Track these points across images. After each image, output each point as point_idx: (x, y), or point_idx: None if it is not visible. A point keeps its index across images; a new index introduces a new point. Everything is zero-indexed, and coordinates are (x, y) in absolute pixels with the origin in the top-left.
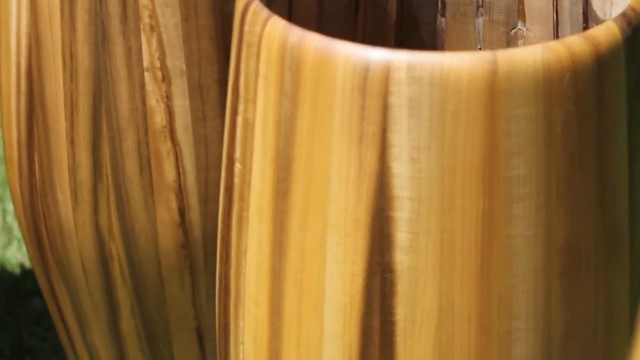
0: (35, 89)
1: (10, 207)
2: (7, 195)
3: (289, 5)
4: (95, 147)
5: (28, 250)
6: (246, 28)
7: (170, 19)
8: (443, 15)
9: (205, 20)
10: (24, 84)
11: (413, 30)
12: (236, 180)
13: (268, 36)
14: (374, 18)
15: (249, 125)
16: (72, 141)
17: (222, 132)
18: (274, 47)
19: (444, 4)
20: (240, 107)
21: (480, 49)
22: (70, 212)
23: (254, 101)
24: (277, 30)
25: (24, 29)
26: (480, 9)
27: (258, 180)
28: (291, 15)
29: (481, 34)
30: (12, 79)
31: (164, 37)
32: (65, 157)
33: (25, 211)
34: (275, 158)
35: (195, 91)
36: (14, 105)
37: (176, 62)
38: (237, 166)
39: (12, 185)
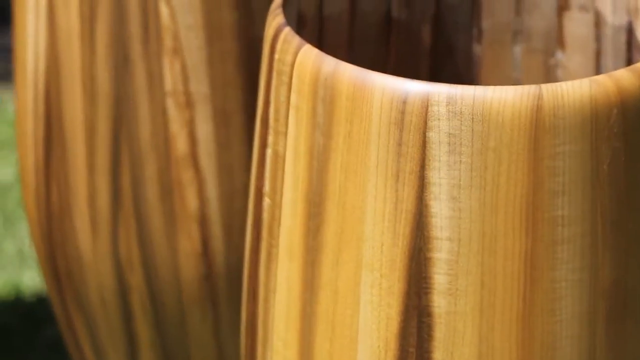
0: (53, 112)
1: (25, 230)
2: (22, 217)
3: (319, 31)
4: (115, 174)
5: (44, 277)
6: (277, 56)
7: (193, 42)
8: (479, 42)
9: (229, 44)
10: (42, 107)
11: (447, 57)
12: (265, 215)
13: (300, 65)
14: (406, 45)
15: (279, 158)
16: (91, 167)
17: (247, 160)
18: (307, 77)
19: (480, 31)
20: (270, 139)
21: (517, 78)
22: (88, 240)
23: (285, 133)
24: (310, 59)
25: (42, 50)
26: (518, 36)
27: (288, 216)
28: (321, 42)
29: (518, 63)
30: (29, 101)
31: (188, 60)
32: (84, 183)
33: (42, 238)
34: (307, 193)
35: (220, 117)
36: (31, 128)
37: (200, 87)
38: (266, 200)
39: (29, 211)
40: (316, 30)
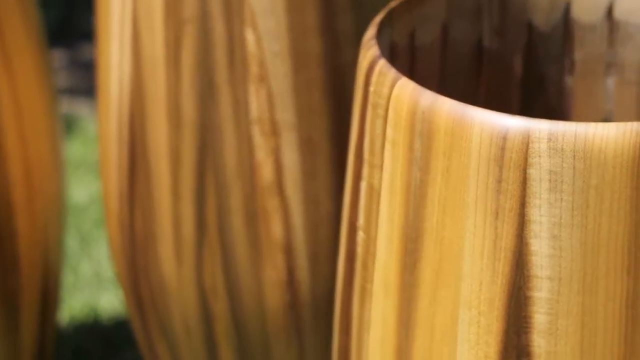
0: (137, 138)
1: (101, 251)
2: (99, 238)
3: (411, 61)
4: (200, 202)
5: (127, 303)
6: (372, 88)
7: (279, 69)
8: (571, 73)
9: (316, 72)
10: (126, 133)
11: (538, 88)
12: (359, 249)
13: (397, 99)
14: (497, 74)
15: (374, 192)
16: (176, 194)
17: (332, 188)
18: (403, 111)
19: (572, 62)
20: (365, 172)
21: (609, 110)
22: (173, 267)
23: (380, 167)
24: (407, 92)
25: (126, 76)
26: (611, 68)
27: (384, 251)
28: (413, 72)
29: (611, 95)
30: (114, 127)
31: (274, 87)
32: (169, 210)
33: (125, 264)
34: (404, 228)
35: (306, 145)
36: (115, 154)
37: (286, 115)
38: (360, 234)
39: (112, 236)
40: (408, 60)
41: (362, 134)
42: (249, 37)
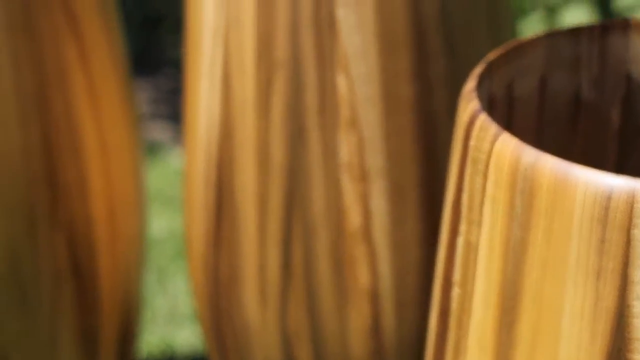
0: (225, 180)
1: (178, 285)
2: (176, 271)
3: (508, 113)
4: (286, 246)
5: (208, 344)
6: (472, 143)
7: (371, 114)
8: None
9: (407, 117)
10: (214, 174)
11: (636, 140)
12: (454, 305)
13: (498, 155)
14: (594, 127)
15: (471, 248)
16: (262, 238)
17: (420, 235)
18: (505, 168)
19: None
20: (462, 228)
21: None
22: (257, 311)
23: (479, 223)
24: (509, 149)
25: (216, 117)
26: None
27: (480, 309)
28: (510, 124)
29: None
30: (201, 168)
31: (364, 133)
32: (255, 254)
33: (209, 306)
34: (501, 286)
35: (395, 192)
36: (202, 196)
37: (375, 161)
38: (456, 290)
39: (195, 277)
40: (505, 112)
41: (460, 189)
42: (341, 81)
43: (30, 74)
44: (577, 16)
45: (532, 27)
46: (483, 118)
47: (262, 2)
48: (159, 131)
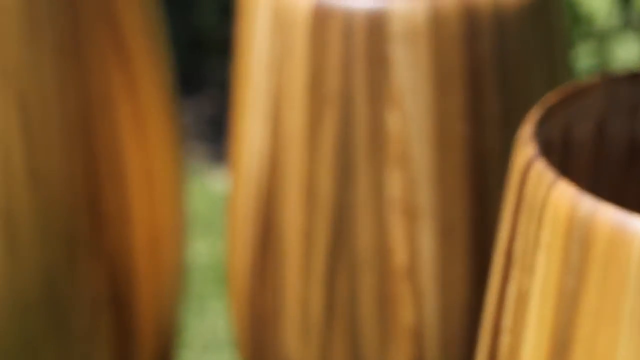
0: (270, 214)
1: (218, 311)
2: (216, 296)
3: (564, 158)
4: (330, 282)
5: None
6: (527, 189)
7: (421, 151)
8: None
9: (459, 156)
10: (259, 208)
11: None
12: (502, 351)
13: (554, 203)
14: None
15: (523, 295)
16: (306, 273)
17: (466, 277)
18: (561, 217)
19: None
20: (514, 274)
21: None
22: (298, 347)
23: (532, 270)
24: (565, 197)
25: (263, 150)
26: None
27: (530, 357)
28: (566, 168)
29: None
30: (247, 201)
31: (414, 170)
32: (298, 289)
33: (250, 340)
34: (553, 336)
35: (443, 230)
36: (246, 228)
37: (424, 198)
38: (505, 337)
39: (236, 310)
40: (561, 156)
41: (513, 235)
42: (392, 117)
43: (76, 100)
44: (628, 47)
45: (581, 58)
46: (539, 164)
47: (315, 35)
48: (200, 153)
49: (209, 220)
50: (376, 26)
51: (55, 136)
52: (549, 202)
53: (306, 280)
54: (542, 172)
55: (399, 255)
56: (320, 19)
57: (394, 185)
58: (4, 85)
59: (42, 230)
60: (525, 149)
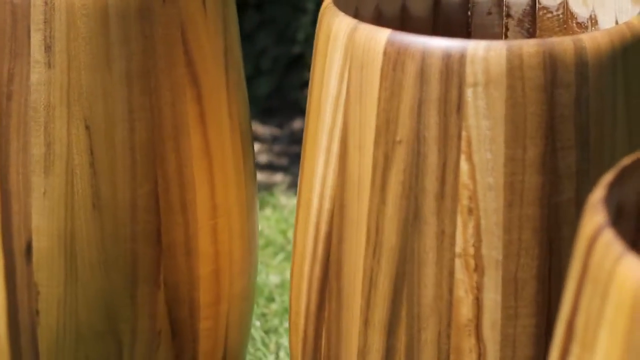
0: (332, 257)
1: (283, 342)
2: (280, 327)
3: (637, 222)
4: (390, 333)
5: None
6: (593, 260)
7: (491, 204)
8: None
9: (530, 209)
10: (321, 249)
11: None
12: None
13: (621, 279)
14: None
15: None
16: (365, 322)
17: (533, 333)
18: (627, 294)
19: None
20: (574, 350)
21: None
22: None
23: (593, 348)
24: (634, 274)
25: (328, 191)
26: None
27: None
28: (639, 234)
29: None
30: (309, 241)
31: (482, 222)
32: (356, 338)
33: None
34: None
35: (510, 285)
36: (307, 270)
37: (492, 252)
38: None
39: (294, 352)
40: (634, 221)
41: (576, 307)
42: (464, 167)
43: (145, 128)
44: None
45: None
46: (608, 234)
47: (388, 76)
48: (277, 177)
49: (277, 245)
50: (452, 69)
51: (120, 163)
52: (615, 276)
53: (366, 327)
54: (610, 243)
55: (463, 309)
56: (395, 59)
57: (461, 236)
58: (71, 110)
59: (104, 260)
60: (594, 215)
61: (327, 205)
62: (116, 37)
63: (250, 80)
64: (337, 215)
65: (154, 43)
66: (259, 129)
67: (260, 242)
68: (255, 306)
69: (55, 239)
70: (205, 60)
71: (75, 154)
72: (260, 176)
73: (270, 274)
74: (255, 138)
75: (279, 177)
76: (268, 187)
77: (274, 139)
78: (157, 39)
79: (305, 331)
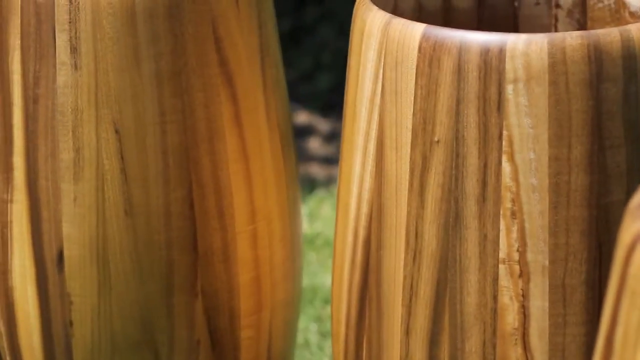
0: (372, 263)
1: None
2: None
3: None
4: (432, 342)
5: None
6: (632, 271)
7: (536, 206)
8: None
9: (577, 211)
10: (360, 255)
11: None
12: None
13: None
14: None
15: None
16: (407, 331)
17: (583, 342)
18: None
19: None
20: None
21: None
22: None
23: None
24: None
25: (366, 195)
26: None
27: None
28: None
29: None
30: (348, 246)
31: (527, 226)
32: (398, 347)
33: None
34: None
35: (557, 292)
36: (347, 276)
37: (538, 257)
38: None
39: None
40: None
41: (614, 321)
42: (506, 168)
43: (177, 131)
44: None
45: None
46: None
47: (424, 74)
48: (336, 171)
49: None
50: (491, 65)
51: (152, 168)
52: None
53: (407, 336)
54: None
55: (509, 317)
56: (430, 55)
57: (505, 241)
58: (100, 113)
59: (138, 268)
60: (634, 223)
61: (364, 209)
62: (144, 36)
63: (311, 74)
64: (375, 219)
65: (184, 42)
66: (320, 123)
67: (319, 242)
68: (311, 309)
69: (87, 247)
70: (240, 59)
71: (105, 159)
72: (321, 171)
73: (328, 275)
74: (316, 133)
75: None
76: (328, 183)
77: (335, 134)
78: (187, 38)
79: (346, 340)
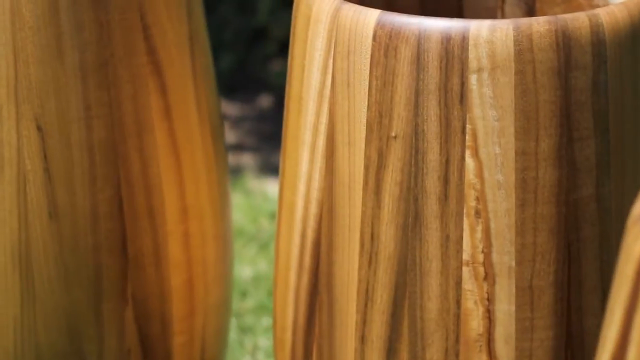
0: (322, 268)
1: (261, 343)
2: (258, 324)
3: None
4: (390, 350)
5: None
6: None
7: (501, 204)
8: None
9: (545, 208)
10: (309, 258)
11: None
12: None
13: None
14: None
15: None
16: (362, 339)
17: (550, 347)
18: None
19: None
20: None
21: None
22: None
23: None
24: None
25: (314, 194)
26: None
27: None
28: None
29: None
30: (294, 250)
31: (492, 225)
32: (352, 356)
33: None
34: None
35: (524, 294)
36: (293, 281)
37: (504, 258)
38: None
39: None
40: None
41: (626, 338)
42: (469, 163)
43: (103, 126)
44: None
45: None
46: None
47: (379, 64)
48: (245, 159)
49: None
50: (453, 54)
51: (78, 167)
52: None
53: (362, 345)
54: None
55: (473, 323)
56: (387, 43)
57: (469, 241)
58: (20, 109)
59: (64, 274)
60: None
61: (313, 209)
62: (67, 25)
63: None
64: (325, 220)
65: (110, 30)
66: (224, 107)
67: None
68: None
69: (9, 253)
70: (169, 47)
71: (27, 158)
72: (230, 159)
73: (243, 267)
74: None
75: (247, 159)
76: (236, 171)
77: (241, 118)
78: (113, 26)
79: (293, 348)
